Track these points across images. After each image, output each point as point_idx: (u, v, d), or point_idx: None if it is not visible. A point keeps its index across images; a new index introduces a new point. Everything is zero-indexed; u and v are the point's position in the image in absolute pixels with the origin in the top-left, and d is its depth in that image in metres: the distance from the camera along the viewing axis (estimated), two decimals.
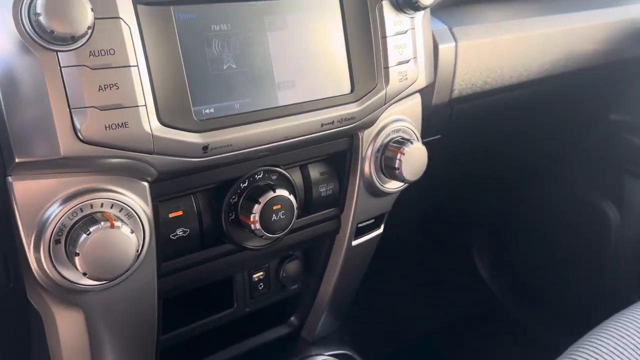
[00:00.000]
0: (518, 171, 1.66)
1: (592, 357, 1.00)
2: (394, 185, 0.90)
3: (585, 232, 1.62)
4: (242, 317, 0.98)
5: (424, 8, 0.79)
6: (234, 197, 0.76)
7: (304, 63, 0.73)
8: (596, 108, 1.51)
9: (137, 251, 0.64)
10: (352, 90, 0.76)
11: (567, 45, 1.19)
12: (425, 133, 0.94)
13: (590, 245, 1.61)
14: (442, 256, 1.90)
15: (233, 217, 0.77)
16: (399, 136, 0.87)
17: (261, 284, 0.97)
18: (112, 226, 0.60)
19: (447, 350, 1.62)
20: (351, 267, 1.02)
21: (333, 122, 0.75)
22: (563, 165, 1.65)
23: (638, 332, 1.02)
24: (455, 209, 1.78)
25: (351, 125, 0.77)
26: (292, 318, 1.09)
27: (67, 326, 0.71)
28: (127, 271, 0.64)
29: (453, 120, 1.12)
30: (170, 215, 0.73)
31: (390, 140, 0.86)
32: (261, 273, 0.96)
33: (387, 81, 0.79)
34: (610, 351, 1.01)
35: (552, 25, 1.17)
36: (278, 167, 0.79)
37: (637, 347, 1.03)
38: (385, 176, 0.88)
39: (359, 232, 0.96)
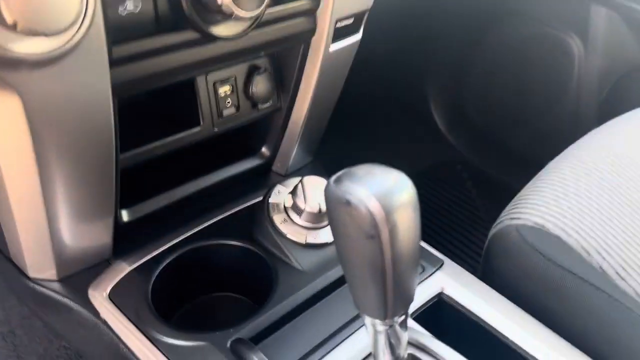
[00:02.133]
0: (476, 12, 1.58)
1: (557, 181, 0.96)
2: None
3: (548, 68, 1.57)
4: (210, 143, 0.87)
5: None
6: None
7: None
8: None
9: None
10: None
11: None
12: None
13: (553, 80, 1.56)
14: (402, 111, 1.84)
15: None
16: None
17: (229, 100, 0.85)
18: None
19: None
20: (327, 82, 0.91)
21: None
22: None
23: (593, 159, 1.00)
24: (410, 61, 1.71)
25: None
26: (263, 149, 0.99)
27: (4, 120, 0.58)
28: (71, 27, 0.50)
29: None
30: None
31: None
32: (228, 87, 0.84)
33: None
34: (574, 173, 0.98)
35: None
36: None
37: (596, 169, 1.00)
38: None
39: (338, 34, 0.84)
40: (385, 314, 0.57)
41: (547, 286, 0.82)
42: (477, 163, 1.78)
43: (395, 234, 0.51)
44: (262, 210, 0.85)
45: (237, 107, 0.86)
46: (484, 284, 0.82)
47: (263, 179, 1.01)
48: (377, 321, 0.58)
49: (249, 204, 0.92)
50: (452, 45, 1.71)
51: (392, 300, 0.55)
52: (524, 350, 0.72)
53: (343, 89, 0.99)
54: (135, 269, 0.79)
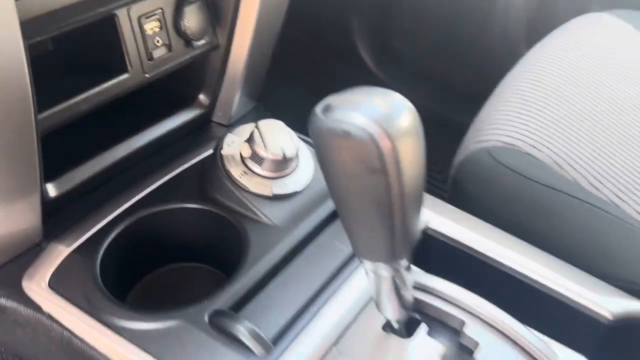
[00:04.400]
0: None
1: (516, 98, 0.93)
2: None
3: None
4: (142, 92, 0.74)
5: None
6: None
7: None
8: None
9: None
10: None
11: None
12: None
13: (479, 4, 1.52)
14: (329, 50, 1.75)
15: None
16: None
17: (158, 39, 0.72)
18: None
19: None
20: (270, 12, 0.80)
21: None
22: None
23: (546, 72, 0.97)
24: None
25: None
26: (201, 96, 0.87)
27: None
28: None
29: None
30: None
31: None
32: (156, 23, 0.71)
33: None
34: (532, 88, 0.95)
35: None
36: None
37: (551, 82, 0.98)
38: None
39: None
40: (392, 256, 0.49)
41: (527, 204, 0.79)
42: (411, 98, 1.73)
43: (402, 164, 0.43)
44: (215, 165, 0.74)
45: (169, 47, 0.74)
46: (465, 212, 0.76)
47: (203, 132, 0.89)
48: (381, 265, 0.51)
49: (196, 160, 0.81)
50: None
51: (400, 240, 0.48)
52: (516, 271, 0.68)
53: None
54: (75, 250, 0.67)
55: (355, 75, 1.73)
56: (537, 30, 1.35)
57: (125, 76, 0.69)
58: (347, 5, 1.67)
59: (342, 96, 0.44)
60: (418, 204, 0.48)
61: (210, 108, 0.88)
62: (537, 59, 1.04)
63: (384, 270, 0.51)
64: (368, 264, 0.52)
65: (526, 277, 0.67)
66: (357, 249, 0.52)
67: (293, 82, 1.57)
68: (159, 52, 0.72)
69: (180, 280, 0.76)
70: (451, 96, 1.61)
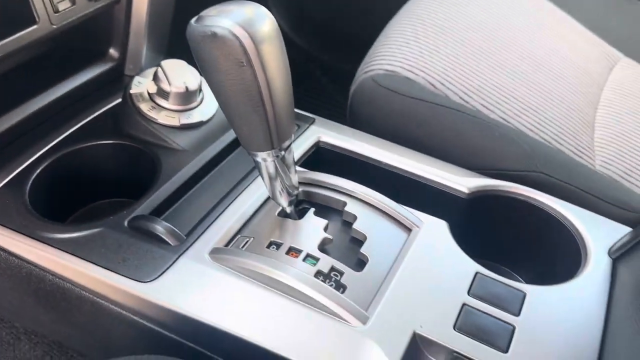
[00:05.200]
0: None
1: (398, 33, 1.05)
2: None
3: None
4: (59, 49, 0.81)
5: None
6: None
7: None
8: None
9: None
10: None
11: None
12: None
13: None
14: None
15: None
16: None
17: None
18: None
19: None
20: None
21: None
22: None
23: (426, 11, 1.10)
24: None
25: None
26: (111, 50, 0.95)
27: None
28: None
29: None
30: None
31: None
32: None
33: None
34: (411, 24, 1.07)
35: None
36: None
37: (428, 18, 1.11)
38: None
39: None
40: (271, 144, 0.60)
41: (405, 116, 0.91)
42: (327, 58, 1.84)
43: (264, 56, 0.54)
44: (126, 104, 0.83)
45: (73, 1, 0.81)
46: (353, 129, 0.88)
47: (117, 84, 0.97)
48: (265, 154, 0.61)
49: (111, 105, 0.89)
50: None
51: (274, 128, 0.59)
52: (393, 167, 0.80)
53: None
54: (5, 184, 0.74)
55: None
56: None
57: (34, 27, 0.76)
58: None
59: (211, 8, 0.55)
60: (286, 96, 0.59)
61: (121, 61, 0.96)
62: (420, 2, 1.16)
63: (268, 157, 0.62)
64: (257, 156, 0.62)
65: (401, 169, 0.79)
66: (244, 143, 0.62)
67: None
68: (63, 5, 0.80)
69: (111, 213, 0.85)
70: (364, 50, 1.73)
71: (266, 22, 0.55)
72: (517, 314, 0.60)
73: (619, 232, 0.70)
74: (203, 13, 0.55)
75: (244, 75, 0.54)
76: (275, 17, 0.56)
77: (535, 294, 0.62)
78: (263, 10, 0.56)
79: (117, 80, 0.98)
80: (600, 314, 0.61)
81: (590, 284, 0.64)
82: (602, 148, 0.93)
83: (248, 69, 0.54)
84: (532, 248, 0.76)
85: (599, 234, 0.70)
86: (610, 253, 0.67)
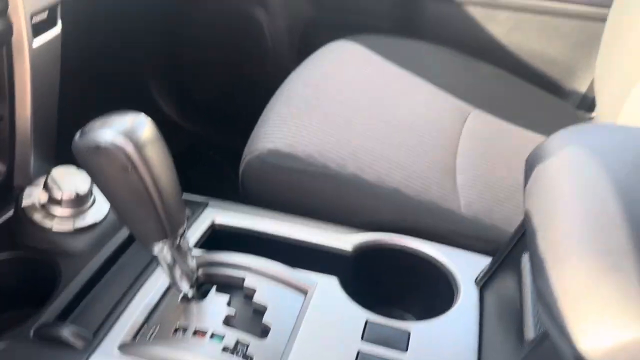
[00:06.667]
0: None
1: (275, 114, 1.17)
2: None
3: (243, 38, 1.78)
4: None
5: None
6: None
7: None
8: None
9: None
10: None
11: None
12: None
13: (250, 47, 1.78)
14: (134, 105, 1.86)
15: None
16: None
17: None
18: None
19: None
20: (43, 80, 0.94)
21: None
22: None
23: (297, 91, 1.23)
24: (128, 52, 1.73)
25: None
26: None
27: None
28: None
29: None
30: None
31: None
32: None
33: None
34: (286, 104, 1.19)
35: None
36: None
37: (299, 97, 1.24)
38: None
39: (37, 29, 0.88)
40: (165, 234, 0.65)
41: (292, 188, 1.00)
42: (218, 139, 1.92)
43: (148, 160, 0.61)
44: (19, 217, 0.85)
45: None
46: (246, 205, 0.96)
47: (9, 196, 0.98)
48: (160, 244, 0.66)
49: (3, 219, 0.90)
50: (156, 28, 1.77)
51: (166, 220, 0.65)
52: (288, 237, 0.88)
53: (61, 88, 1.02)
54: None
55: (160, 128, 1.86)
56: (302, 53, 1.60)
57: None
58: (143, 61, 1.79)
59: (91, 123, 0.61)
60: (173, 190, 0.65)
61: (9, 174, 0.98)
62: (289, 83, 1.29)
63: (163, 246, 0.67)
64: (154, 247, 0.67)
65: (291, 238, 0.87)
66: (138, 238, 0.67)
67: None
68: None
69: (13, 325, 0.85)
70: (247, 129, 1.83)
71: (146, 128, 0.62)
72: (405, 350, 0.68)
73: (483, 262, 0.81)
74: (86, 128, 0.61)
75: (130, 179, 0.60)
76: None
77: (417, 330, 0.71)
78: (142, 117, 0.63)
79: (7, 192, 0.99)
80: (474, 342, 0.71)
81: (462, 314, 0.74)
82: (464, 191, 1.06)
83: (134, 173, 0.60)
84: (414, 288, 0.86)
85: (466, 268, 0.81)
86: (476, 282, 0.78)
